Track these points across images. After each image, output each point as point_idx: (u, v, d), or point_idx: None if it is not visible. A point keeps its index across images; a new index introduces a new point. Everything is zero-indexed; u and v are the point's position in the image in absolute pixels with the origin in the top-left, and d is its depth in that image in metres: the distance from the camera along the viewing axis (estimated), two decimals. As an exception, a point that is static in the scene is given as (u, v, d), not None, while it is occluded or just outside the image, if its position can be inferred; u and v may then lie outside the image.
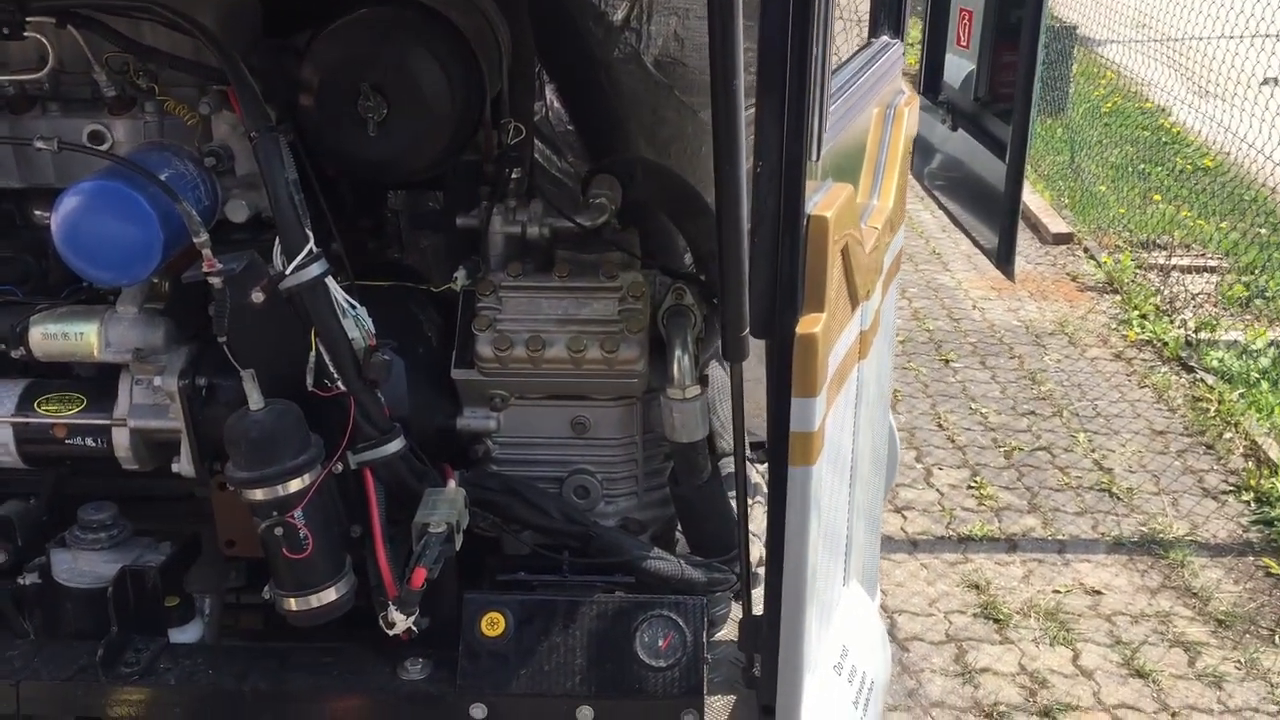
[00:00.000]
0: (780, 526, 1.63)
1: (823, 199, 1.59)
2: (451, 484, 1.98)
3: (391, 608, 1.84)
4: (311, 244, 1.81)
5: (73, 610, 2.00)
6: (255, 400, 1.78)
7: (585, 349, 1.97)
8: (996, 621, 3.96)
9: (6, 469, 2.02)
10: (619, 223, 2.19)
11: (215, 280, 1.76)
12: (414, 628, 1.87)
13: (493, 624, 1.91)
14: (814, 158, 1.52)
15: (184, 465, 1.96)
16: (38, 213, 2.01)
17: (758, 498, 2.56)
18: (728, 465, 2.65)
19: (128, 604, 1.97)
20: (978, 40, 3.97)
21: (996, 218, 3.89)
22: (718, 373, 2.79)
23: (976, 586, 4.15)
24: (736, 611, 2.38)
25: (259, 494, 1.79)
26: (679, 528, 2.25)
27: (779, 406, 1.58)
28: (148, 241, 1.73)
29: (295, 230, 1.80)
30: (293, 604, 1.85)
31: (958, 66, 4.08)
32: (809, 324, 1.55)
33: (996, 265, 4.00)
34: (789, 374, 1.54)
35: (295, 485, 1.79)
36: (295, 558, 1.82)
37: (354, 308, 1.87)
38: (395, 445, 1.91)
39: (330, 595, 1.85)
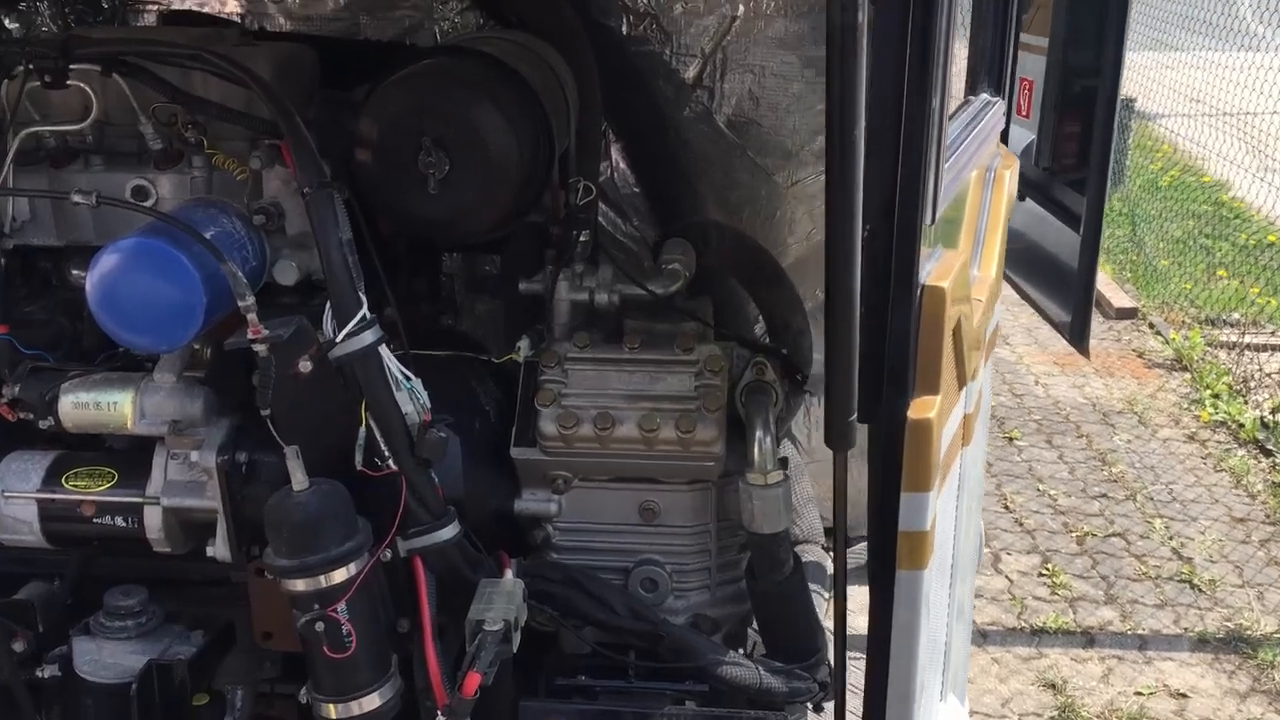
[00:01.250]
0: (885, 637, 1.43)
1: (936, 268, 1.42)
2: (509, 575, 1.80)
3: (440, 718, 1.66)
4: (365, 309, 1.66)
5: (94, 707, 1.83)
6: (299, 480, 1.62)
7: (658, 428, 1.80)
8: (1076, 725, 3.69)
9: (30, 548, 1.86)
10: (690, 291, 2.03)
11: (261, 348, 1.61)
12: (464, 739, 1.68)
13: (552, 735, 1.72)
14: (930, 221, 1.35)
15: (219, 549, 1.80)
16: (75, 272, 1.88)
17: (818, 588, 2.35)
18: (805, 553, 2.45)
19: (153, 702, 1.80)
20: (1038, 109, 3.83)
21: (1069, 291, 3.69)
22: (788, 450, 2.59)
23: (1053, 686, 3.88)
24: None
25: (300, 584, 1.62)
26: (753, 626, 2.05)
27: (886, 501, 1.39)
28: (189, 304, 1.59)
29: (348, 294, 1.65)
30: (333, 711, 1.67)
31: (1018, 136, 3.91)
32: (922, 408, 1.37)
33: (1070, 341, 3.79)
34: (898, 465, 1.36)
35: (340, 575, 1.62)
36: (337, 657, 1.64)
37: (409, 379, 1.71)
38: (449, 531, 1.74)
39: (374, 701, 1.67)
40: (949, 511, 1.69)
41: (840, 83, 1.11)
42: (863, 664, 2.01)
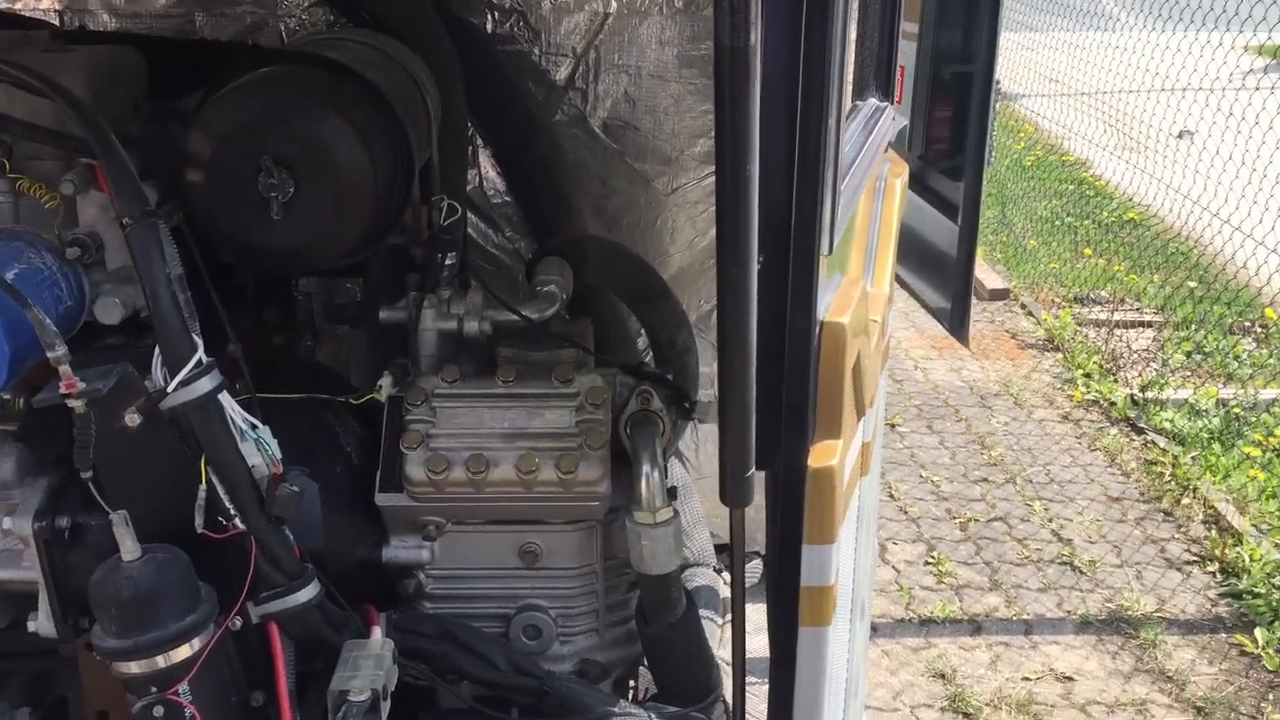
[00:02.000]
0: (786, 697, 1.32)
1: (833, 300, 1.30)
2: (377, 633, 1.64)
3: (303, 799, 1.49)
4: (200, 354, 1.47)
5: (-94, 805, 1.62)
6: (129, 549, 1.43)
7: (538, 469, 1.66)
8: (966, 716, 3.69)
9: None
10: (568, 311, 1.89)
11: (76, 404, 1.41)
12: (332, 819, 1.52)
13: (431, 807, 1.57)
14: (828, 251, 1.23)
15: (42, 623, 1.59)
16: None
17: (727, 616, 2.25)
18: (696, 577, 2.34)
19: (-26, 795, 1.59)
20: (909, 96, 3.78)
21: (947, 279, 3.67)
22: (674, 469, 2.48)
23: (942, 675, 3.88)
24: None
25: (134, 667, 1.43)
26: (644, 664, 1.93)
27: (785, 553, 1.28)
28: (-11, 357, 1.38)
29: (179, 338, 1.46)
30: (177, 802, 1.48)
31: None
32: (823, 455, 1.25)
33: (950, 331, 3.77)
34: (799, 517, 1.24)
35: (182, 653, 1.44)
36: (180, 744, 1.46)
37: (255, 428, 1.53)
38: (308, 593, 1.57)
39: (226, 787, 1.50)
40: (849, 545, 1.59)
41: (732, 112, 0.98)
42: (760, 689, 1.91)
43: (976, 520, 4.83)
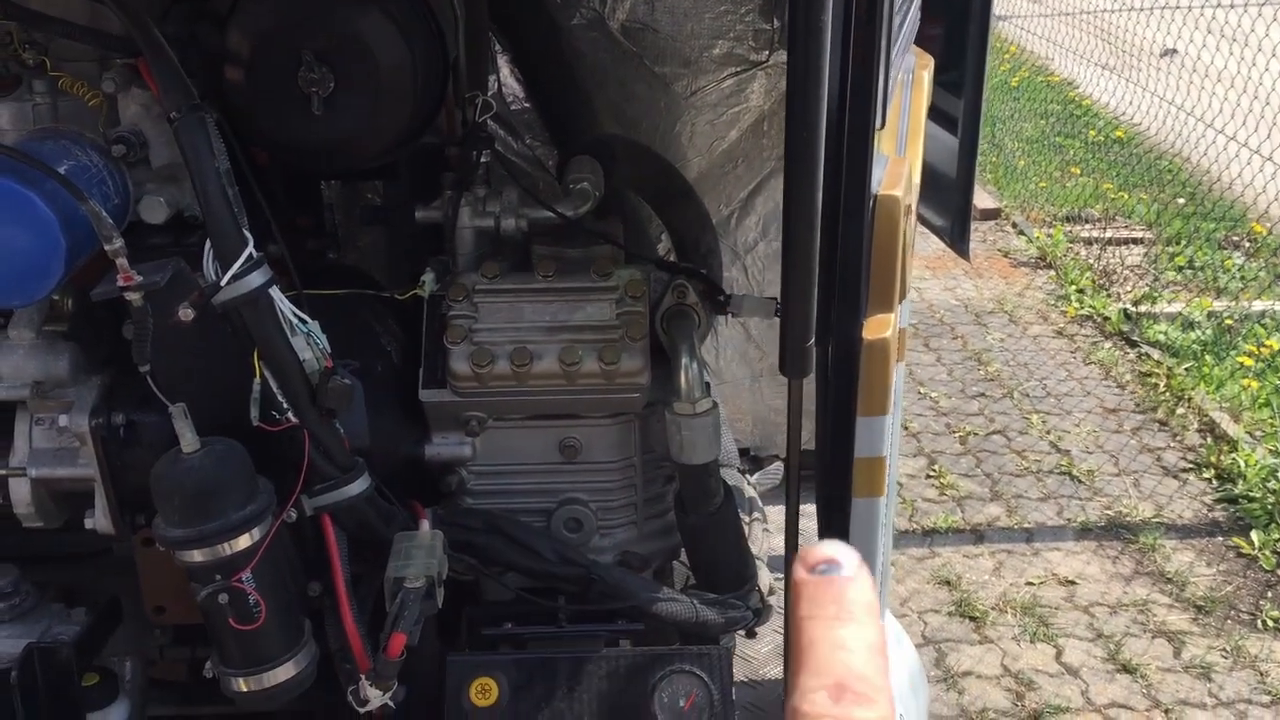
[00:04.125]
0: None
1: (884, 176, 1.32)
2: (425, 526, 1.68)
3: (365, 682, 1.53)
4: (251, 248, 1.48)
5: (-32, 699, 1.65)
6: (189, 441, 1.46)
7: (580, 360, 1.68)
8: (973, 620, 3.78)
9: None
10: (597, 212, 1.90)
11: (134, 297, 1.42)
12: (390, 702, 1.57)
13: (484, 691, 1.61)
14: (880, 125, 1.25)
15: (99, 520, 1.62)
16: (-99, 219, 1.63)
17: (755, 514, 2.30)
18: (729, 478, 2.38)
19: (36, 688, 1.62)
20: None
21: (946, 195, 3.68)
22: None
23: (948, 582, 3.96)
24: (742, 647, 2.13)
25: (198, 555, 1.46)
26: (680, 558, 1.97)
27: (839, 426, 1.31)
28: (47, 251, 1.39)
29: (230, 232, 1.47)
30: (243, 684, 1.53)
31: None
32: (877, 327, 1.28)
33: (951, 246, 3.79)
34: (853, 389, 1.27)
35: (243, 542, 1.47)
36: (244, 629, 1.49)
37: (305, 323, 1.55)
38: (359, 485, 1.60)
39: (288, 671, 1.54)
40: (896, 422, 1.63)
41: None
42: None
43: (976, 434, 4.90)
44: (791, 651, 0.50)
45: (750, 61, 2.33)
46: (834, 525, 1.34)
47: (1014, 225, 7.27)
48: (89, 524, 1.62)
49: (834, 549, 0.53)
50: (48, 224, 1.38)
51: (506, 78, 2.33)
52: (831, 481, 1.32)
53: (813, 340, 1.23)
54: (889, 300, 1.28)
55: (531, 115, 2.33)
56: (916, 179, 1.81)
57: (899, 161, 1.39)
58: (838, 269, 1.26)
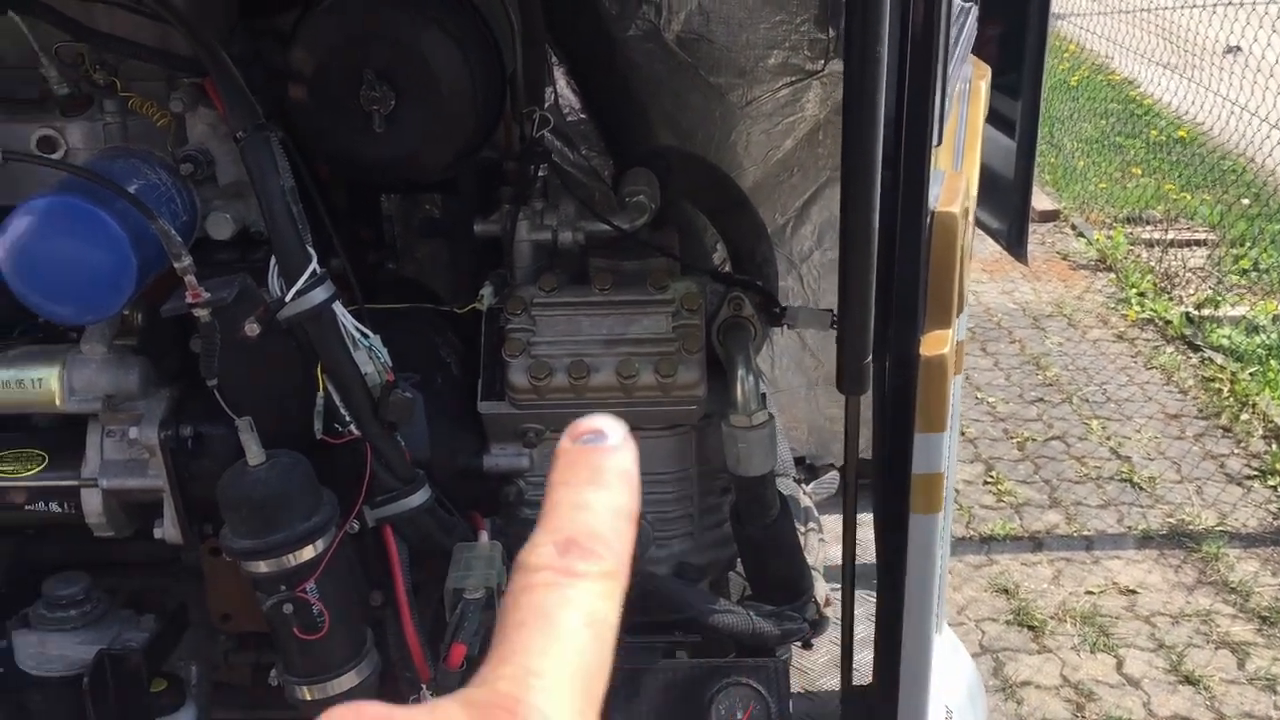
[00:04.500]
0: (897, 584, 1.36)
1: (941, 192, 1.32)
2: (484, 537, 1.70)
3: (425, 692, 1.56)
4: (314, 265, 1.51)
5: (43, 702, 1.70)
6: (255, 454, 1.49)
7: (637, 373, 1.69)
8: (1031, 629, 3.73)
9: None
10: (652, 224, 1.91)
11: (202, 313, 1.46)
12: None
13: (542, 700, 1.63)
14: (937, 141, 1.25)
15: (168, 529, 1.66)
16: (-23, 235, 1.68)
17: (811, 524, 2.30)
18: (784, 488, 2.38)
19: (107, 693, 1.66)
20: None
21: (1003, 198, 3.65)
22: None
23: (1005, 591, 3.92)
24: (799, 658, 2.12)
25: (264, 566, 1.49)
26: (736, 569, 1.98)
27: (896, 443, 1.30)
28: (118, 269, 1.43)
29: (295, 249, 1.50)
30: (307, 693, 1.56)
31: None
32: (935, 344, 1.28)
33: (1009, 250, 3.75)
34: (911, 405, 1.27)
35: (308, 553, 1.50)
36: (309, 638, 1.53)
37: (366, 337, 1.57)
38: (420, 497, 1.63)
39: (352, 680, 1.57)
40: (954, 437, 1.62)
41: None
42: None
43: (1034, 440, 4.84)
44: (539, 515, 0.49)
45: (806, 71, 2.33)
46: (891, 542, 1.34)
47: (1073, 227, 7.17)
48: (158, 534, 1.66)
49: (602, 421, 0.52)
50: (119, 242, 1.42)
51: (562, 89, 2.34)
52: (889, 498, 1.32)
53: (869, 358, 1.23)
54: (946, 316, 1.27)
55: (587, 126, 2.34)
56: (974, 191, 1.80)
57: (956, 176, 1.38)
58: (894, 285, 1.26)
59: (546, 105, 2.32)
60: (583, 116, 2.37)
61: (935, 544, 1.34)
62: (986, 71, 1.99)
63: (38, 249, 1.42)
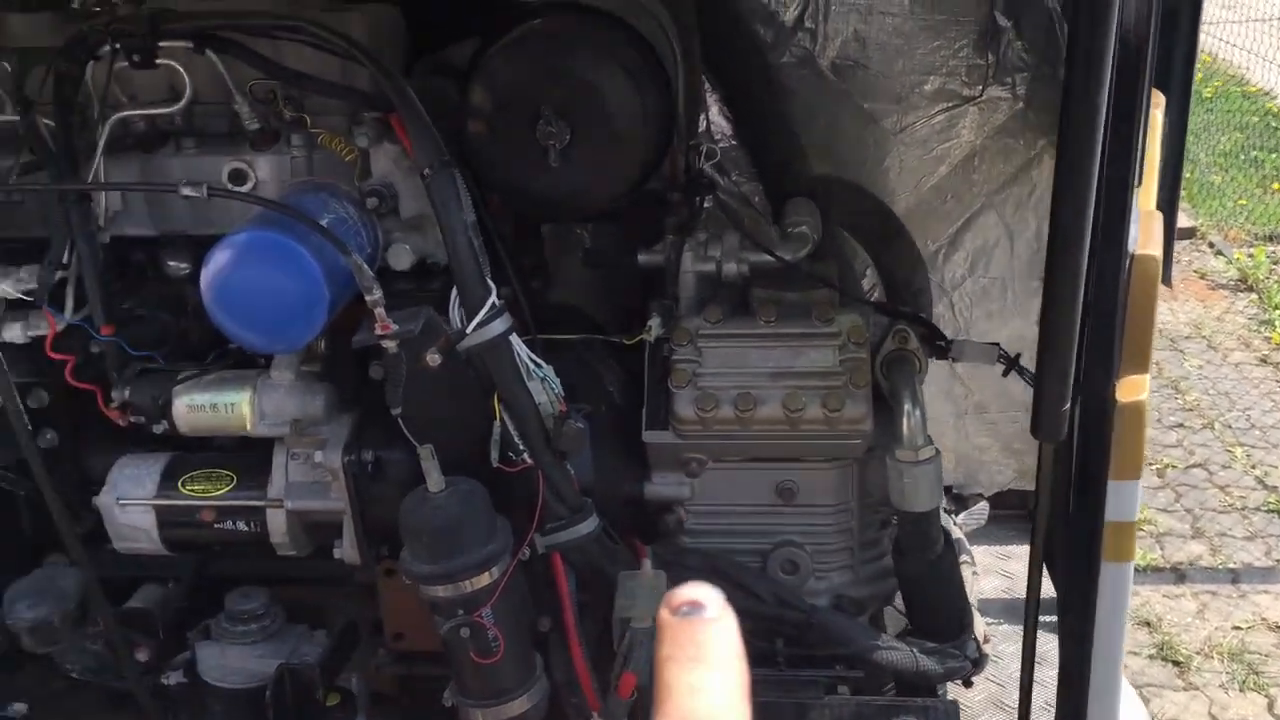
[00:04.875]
0: (1085, 635, 1.33)
1: (1139, 234, 1.29)
2: (648, 565, 1.71)
3: None
4: (494, 297, 1.54)
5: (224, 712, 1.77)
6: (436, 481, 1.53)
7: (804, 407, 1.69)
8: (1176, 664, 3.61)
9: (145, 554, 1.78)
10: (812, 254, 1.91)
11: (390, 344, 1.50)
12: (617, 741, 1.61)
13: (706, 732, 1.63)
14: (1139, 182, 1.22)
15: (346, 550, 1.71)
16: (172, 264, 1.77)
17: (963, 556, 2.26)
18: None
19: (286, 705, 1.72)
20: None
21: (1145, 218, 3.54)
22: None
23: (1148, 624, 3.79)
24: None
25: (442, 591, 1.53)
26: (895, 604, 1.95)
27: (1089, 488, 1.28)
28: (312, 300, 1.48)
29: (476, 282, 1.54)
30: (480, 716, 1.59)
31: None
32: (1132, 389, 1.25)
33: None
34: (1106, 451, 1.24)
35: (484, 579, 1.54)
36: (485, 662, 1.56)
37: (540, 367, 1.60)
38: (589, 525, 1.65)
39: (523, 705, 1.60)
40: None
41: (1090, 27, 0.97)
42: (998, 629, 1.91)
43: (1174, 467, 4.68)
44: (653, 692, 0.49)
45: (963, 96, 2.29)
46: (1080, 589, 1.31)
47: (1210, 245, 6.92)
48: (337, 554, 1.71)
49: (698, 591, 0.52)
50: (314, 276, 1.47)
51: (715, 115, 2.35)
52: (1079, 545, 1.29)
53: (1068, 404, 1.21)
54: (1144, 361, 1.25)
55: (738, 152, 2.35)
56: (1160, 230, 1.75)
57: (1151, 215, 1.35)
58: (1090, 329, 1.23)
59: (700, 131, 2.33)
60: (734, 142, 2.37)
61: (1127, 594, 1.31)
62: (1161, 100, 1.94)
63: (238, 280, 1.48)
